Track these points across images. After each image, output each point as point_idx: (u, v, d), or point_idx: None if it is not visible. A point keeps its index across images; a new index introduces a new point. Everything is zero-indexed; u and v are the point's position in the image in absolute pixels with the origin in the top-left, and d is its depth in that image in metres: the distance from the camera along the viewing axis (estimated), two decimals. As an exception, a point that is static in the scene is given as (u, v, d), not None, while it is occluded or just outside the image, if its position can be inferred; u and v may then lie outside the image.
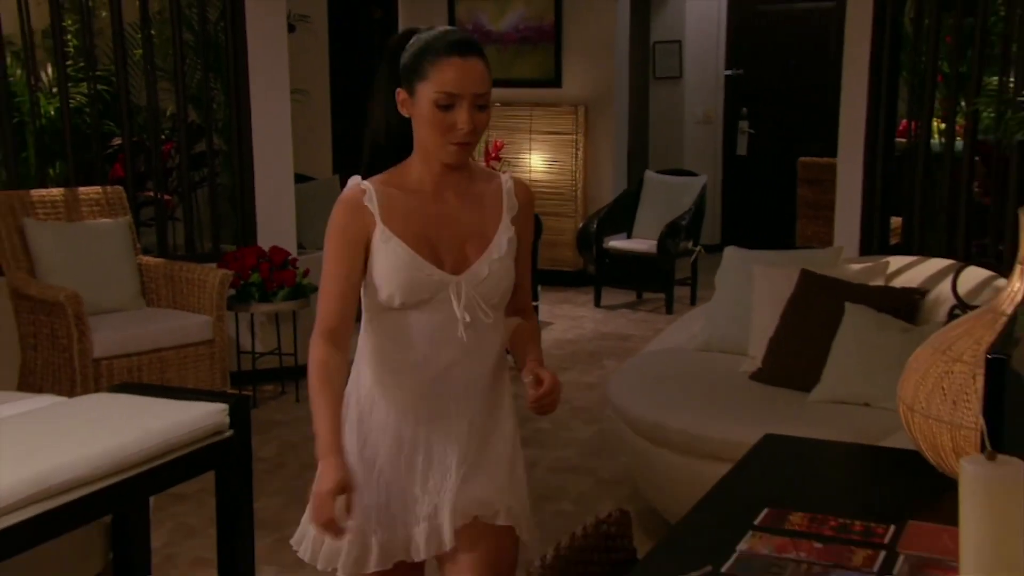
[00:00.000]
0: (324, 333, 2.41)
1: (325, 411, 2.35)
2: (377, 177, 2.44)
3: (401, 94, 2.38)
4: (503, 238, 2.47)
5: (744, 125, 10.79)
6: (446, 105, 2.30)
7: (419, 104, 2.34)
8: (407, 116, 2.39)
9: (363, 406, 2.48)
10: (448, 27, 2.47)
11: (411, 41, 2.41)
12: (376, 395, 2.47)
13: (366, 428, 2.47)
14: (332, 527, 2.28)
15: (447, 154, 2.36)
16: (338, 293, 2.41)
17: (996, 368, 1.12)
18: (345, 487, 2.27)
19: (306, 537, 2.51)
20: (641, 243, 8.56)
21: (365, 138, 2.55)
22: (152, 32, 6.26)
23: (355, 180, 2.46)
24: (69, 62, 6.15)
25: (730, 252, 5.14)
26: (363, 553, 2.44)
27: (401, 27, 9.34)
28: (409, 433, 2.45)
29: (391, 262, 2.37)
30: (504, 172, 2.62)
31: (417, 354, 2.42)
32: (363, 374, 2.50)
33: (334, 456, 2.30)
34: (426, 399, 2.44)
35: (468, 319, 2.39)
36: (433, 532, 2.41)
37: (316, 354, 2.40)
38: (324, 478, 2.28)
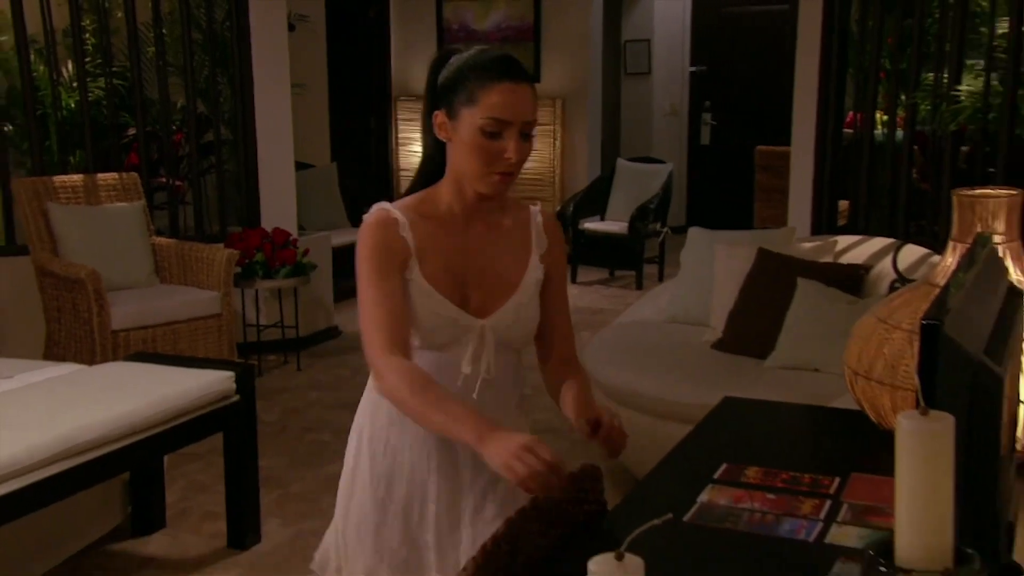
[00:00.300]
0: (388, 347, 1.96)
1: (449, 404, 1.91)
2: (402, 203, 2.08)
3: (439, 116, 2.02)
4: (531, 280, 2.13)
5: (707, 117, 10.81)
6: (493, 132, 1.95)
7: (461, 129, 1.98)
8: (444, 140, 2.04)
9: (375, 446, 2.13)
10: (489, 47, 2.09)
11: (451, 60, 2.05)
12: (392, 436, 2.12)
13: (379, 469, 2.13)
14: (550, 468, 1.81)
15: (488, 184, 2.00)
16: (388, 309, 1.99)
17: (930, 333, 1.12)
18: (529, 439, 1.82)
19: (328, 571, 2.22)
20: (613, 225, 8.57)
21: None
22: (163, 31, 6.24)
23: (382, 206, 2.06)
24: (87, 59, 6.13)
25: (694, 232, 5.15)
26: None
27: (393, 27, 9.32)
28: (421, 479, 2.11)
29: (417, 300, 2.03)
30: (534, 204, 2.25)
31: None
32: (379, 412, 2.13)
33: (494, 429, 1.84)
34: (442, 446, 2.09)
35: (488, 375, 2.07)
36: None
37: (393, 367, 1.94)
38: (503, 441, 1.80)
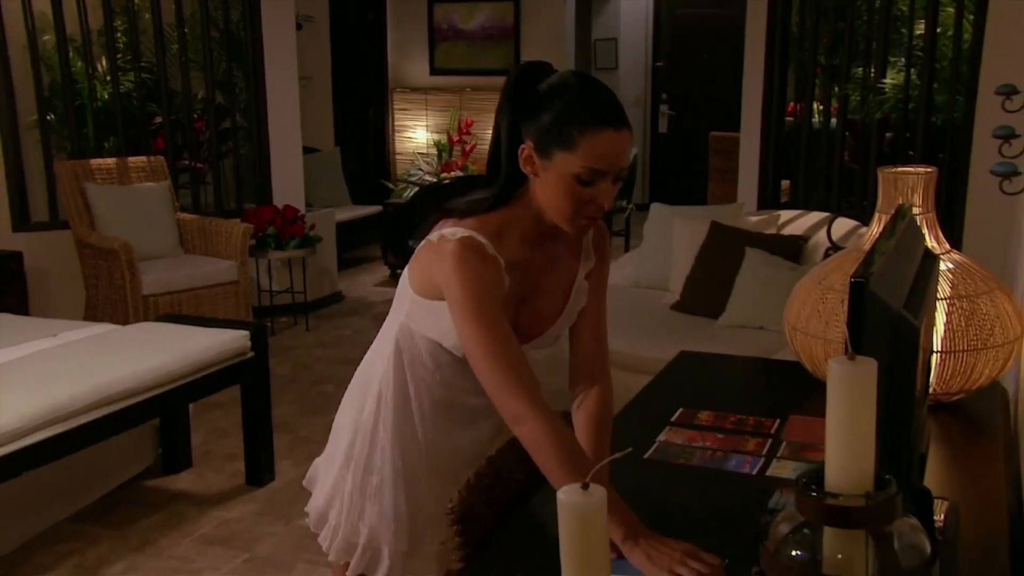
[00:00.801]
0: (540, 402, 1.64)
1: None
2: (481, 227, 1.71)
3: (526, 151, 1.68)
4: (577, 300, 1.88)
5: (665, 108, 10.78)
6: (587, 181, 1.64)
7: (553, 170, 1.65)
8: (529, 174, 1.70)
9: (399, 413, 1.90)
10: (585, 77, 1.71)
11: (547, 87, 1.68)
12: (418, 412, 1.90)
13: (399, 442, 1.90)
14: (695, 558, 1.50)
15: (574, 227, 1.71)
16: (520, 355, 1.68)
17: (858, 289, 1.14)
18: (689, 547, 1.53)
19: (327, 526, 2.02)
20: (584, 202, 8.54)
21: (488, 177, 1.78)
22: (186, 30, 6.19)
23: (461, 231, 1.69)
24: (119, 55, 6.07)
25: (656, 208, 5.16)
26: (375, 558, 1.95)
27: (389, 27, 9.24)
28: (447, 452, 1.93)
29: None
30: None
31: (467, 400, 1.89)
32: (416, 411, 1.89)
33: (642, 531, 1.56)
34: (466, 420, 1.93)
35: None
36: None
37: (548, 429, 1.61)
38: (661, 545, 1.53)
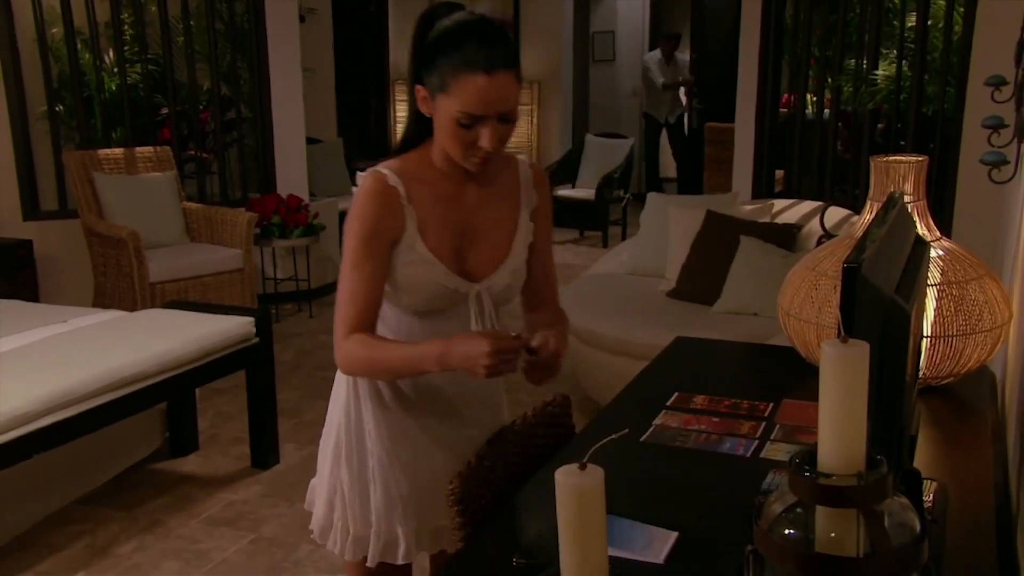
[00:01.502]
0: (352, 328, 1.76)
1: (403, 346, 1.74)
2: (396, 165, 1.77)
3: (420, 91, 1.70)
4: (522, 242, 1.88)
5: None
6: (467, 124, 1.65)
7: (439, 113, 1.68)
8: (426, 114, 1.73)
9: (375, 401, 1.88)
10: (472, 16, 1.70)
11: (433, 28, 1.69)
12: (392, 395, 1.88)
13: (383, 424, 1.89)
14: (503, 352, 1.61)
15: (468, 164, 1.73)
16: (365, 294, 1.75)
17: (850, 274, 1.14)
18: (483, 340, 1.61)
19: (333, 529, 1.97)
20: (582, 191, 8.54)
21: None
22: (191, 23, 6.17)
23: (379, 172, 1.75)
24: (126, 48, 6.07)
25: (652, 197, 5.15)
26: (392, 541, 1.91)
27: (391, 19, 9.21)
28: (430, 430, 1.90)
29: (416, 270, 1.77)
30: (520, 156, 1.93)
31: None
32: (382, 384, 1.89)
33: (449, 343, 1.65)
34: (441, 401, 1.90)
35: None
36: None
37: (350, 344, 1.75)
38: (463, 347, 1.63)
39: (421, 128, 1.78)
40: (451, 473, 1.80)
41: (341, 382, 1.94)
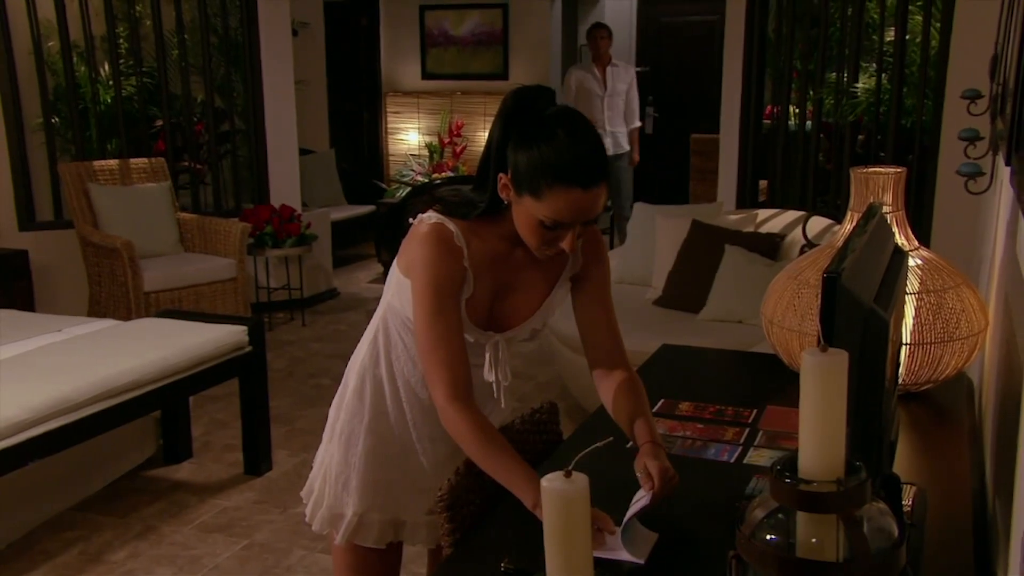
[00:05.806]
0: (454, 391, 1.68)
1: (511, 463, 1.65)
2: (460, 223, 1.74)
3: (503, 179, 1.66)
4: (553, 303, 1.87)
5: (650, 110, 10.77)
6: (551, 227, 1.63)
7: (522, 208, 1.64)
8: (504, 200, 1.69)
9: (378, 395, 1.91)
10: (574, 126, 1.61)
11: (534, 129, 1.61)
12: (392, 393, 1.90)
13: (381, 418, 1.92)
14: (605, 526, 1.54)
15: (540, 254, 1.71)
16: (453, 348, 1.69)
17: (830, 284, 1.14)
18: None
19: (313, 498, 2.02)
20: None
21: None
22: (186, 36, 6.18)
23: (446, 228, 1.72)
24: (121, 61, 6.06)
25: (639, 207, 5.16)
26: (362, 526, 1.95)
27: (383, 32, 9.21)
28: (424, 436, 1.92)
29: None
30: None
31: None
32: (386, 380, 1.90)
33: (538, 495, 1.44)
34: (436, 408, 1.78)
35: (506, 382, 1.87)
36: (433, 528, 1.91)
37: (462, 415, 1.68)
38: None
39: (490, 207, 1.72)
40: (438, 473, 1.83)
41: (358, 358, 1.95)
